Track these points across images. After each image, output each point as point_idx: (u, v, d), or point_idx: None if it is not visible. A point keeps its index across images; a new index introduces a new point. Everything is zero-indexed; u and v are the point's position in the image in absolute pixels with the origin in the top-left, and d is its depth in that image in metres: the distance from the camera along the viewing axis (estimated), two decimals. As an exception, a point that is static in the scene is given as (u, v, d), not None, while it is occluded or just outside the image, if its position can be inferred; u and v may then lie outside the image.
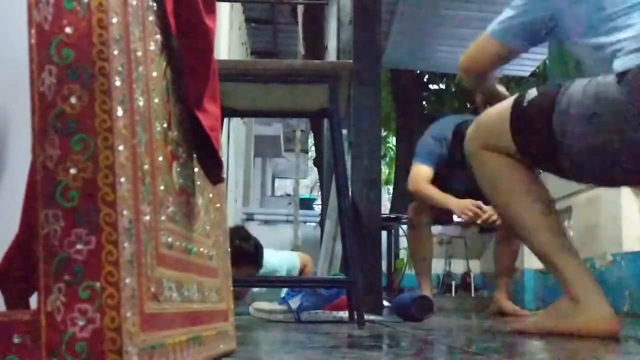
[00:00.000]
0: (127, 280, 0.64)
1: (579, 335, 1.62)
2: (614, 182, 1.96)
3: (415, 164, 3.68)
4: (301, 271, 3.76)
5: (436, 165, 3.62)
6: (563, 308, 1.70)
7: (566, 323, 1.67)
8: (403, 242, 6.47)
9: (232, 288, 1.21)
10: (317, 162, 8.09)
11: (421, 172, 3.62)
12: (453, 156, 3.57)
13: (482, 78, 2.02)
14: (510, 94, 2.03)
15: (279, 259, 3.66)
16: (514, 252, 3.74)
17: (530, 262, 5.31)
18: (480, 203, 3.46)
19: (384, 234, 6.03)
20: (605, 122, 1.59)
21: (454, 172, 3.63)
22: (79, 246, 0.63)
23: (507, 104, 1.81)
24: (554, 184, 4.82)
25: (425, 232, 3.76)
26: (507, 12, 1.91)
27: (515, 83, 10.82)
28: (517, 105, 1.76)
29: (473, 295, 5.69)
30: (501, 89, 2.18)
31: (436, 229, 6.39)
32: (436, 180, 3.61)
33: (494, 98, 2.05)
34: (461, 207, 3.52)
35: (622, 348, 1.49)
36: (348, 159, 3.28)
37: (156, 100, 0.83)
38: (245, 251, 3.14)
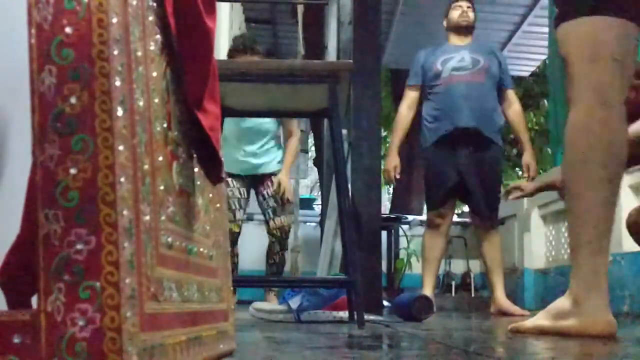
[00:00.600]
0: (127, 280, 0.64)
1: (577, 336, 1.62)
2: None
3: (406, 87, 3.94)
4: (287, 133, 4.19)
5: (420, 75, 3.85)
6: (562, 308, 1.70)
7: (564, 323, 1.66)
8: (403, 242, 6.48)
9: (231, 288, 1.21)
10: (317, 162, 8.09)
11: (405, 96, 3.90)
12: (444, 49, 3.85)
13: None
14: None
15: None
16: (497, 245, 3.79)
17: (530, 262, 5.32)
18: (395, 169, 3.80)
19: (384, 234, 6.04)
20: None
21: (449, 58, 3.81)
22: (79, 246, 0.63)
23: (568, 28, 1.73)
24: (554, 184, 4.79)
25: (443, 233, 3.82)
26: None
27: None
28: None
29: (473, 295, 5.69)
30: None
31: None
32: (430, 82, 3.82)
33: None
34: (385, 166, 3.87)
35: (622, 348, 1.49)
36: (348, 159, 3.28)
37: (156, 100, 0.83)
38: (246, 38, 3.97)
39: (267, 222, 4.11)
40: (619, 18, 1.69)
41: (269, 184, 4.07)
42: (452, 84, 3.75)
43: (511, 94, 3.87)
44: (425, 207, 4.05)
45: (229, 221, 3.90)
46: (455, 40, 3.90)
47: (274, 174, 4.11)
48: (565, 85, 1.81)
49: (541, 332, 1.73)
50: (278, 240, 4.08)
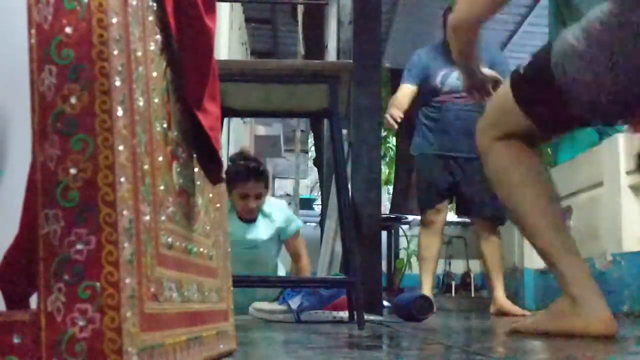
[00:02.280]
0: (127, 280, 0.64)
1: (577, 335, 1.62)
2: (630, 110, 1.81)
3: (401, 84, 3.94)
4: (295, 257, 3.66)
5: (418, 78, 3.84)
6: (562, 308, 1.70)
7: (564, 323, 1.67)
8: (403, 242, 6.48)
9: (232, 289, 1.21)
10: (317, 162, 8.10)
11: (401, 90, 3.90)
12: (441, 52, 3.75)
13: (474, 37, 1.97)
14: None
15: (286, 209, 3.67)
16: (497, 246, 3.82)
17: (530, 262, 5.31)
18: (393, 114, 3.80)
19: (384, 234, 6.04)
20: (600, 41, 1.59)
21: (444, 65, 3.78)
22: (79, 246, 0.63)
23: (505, 83, 1.83)
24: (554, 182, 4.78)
25: (438, 231, 3.85)
26: None
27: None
28: (515, 76, 1.79)
29: (473, 295, 5.69)
30: (486, 70, 2.17)
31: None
32: (426, 87, 3.84)
33: (480, 82, 2.05)
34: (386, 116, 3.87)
35: (622, 348, 1.49)
36: (348, 159, 3.28)
37: (156, 100, 0.83)
38: (249, 167, 3.22)
39: None
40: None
41: None
42: (449, 104, 3.82)
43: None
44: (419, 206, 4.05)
45: None
46: None
47: None
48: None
49: (542, 332, 1.73)
50: None
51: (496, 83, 2.08)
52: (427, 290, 3.71)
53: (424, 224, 3.90)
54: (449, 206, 4.07)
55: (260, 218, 3.38)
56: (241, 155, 3.37)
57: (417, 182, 4.05)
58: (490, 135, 1.83)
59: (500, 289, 3.75)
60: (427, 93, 3.87)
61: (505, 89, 1.81)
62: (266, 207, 3.39)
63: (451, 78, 3.78)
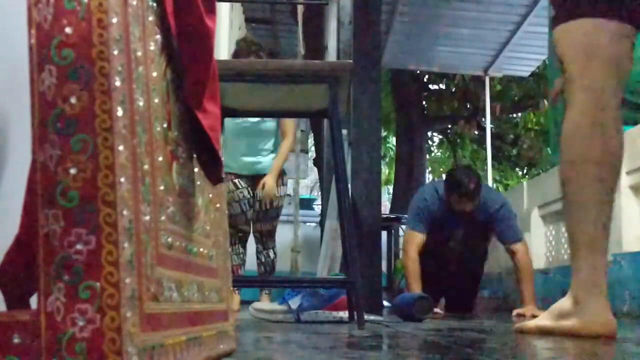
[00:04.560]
0: (127, 280, 0.64)
1: (577, 336, 1.62)
2: None
3: (407, 229, 4.04)
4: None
5: (428, 227, 3.90)
6: (563, 308, 1.71)
7: (565, 323, 1.67)
8: (403, 242, 6.47)
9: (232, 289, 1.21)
10: (317, 162, 8.10)
11: (412, 239, 3.90)
12: (446, 213, 3.90)
13: None
14: (509, 94, 2.01)
15: None
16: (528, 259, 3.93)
17: (530, 262, 5.31)
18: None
19: (384, 234, 6.04)
20: None
21: (450, 230, 4.01)
22: (79, 246, 0.63)
23: (567, 27, 1.75)
24: (554, 184, 4.81)
25: (417, 257, 3.94)
26: None
27: (515, 83, 10.83)
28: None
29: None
30: None
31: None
32: (432, 235, 3.92)
33: None
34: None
35: (622, 348, 1.49)
36: (348, 159, 3.28)
37: (156, 100, 0.83)
38: (248, 41, 3.87)
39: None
40: (614, 20, 1.70)
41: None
42: (446, 250, 4.08)
43: (517, 248, 3.90)
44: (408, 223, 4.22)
45: (242, 223, 3.93)
46: (458, 205, 3.90)
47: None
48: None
49: (544, 333, 1.73)
50: (259, 241, 4.08)
51: None
52: (416, 288, 3.78)
53: (406, 243, 3.99)
54: None
55: None
56: (243, 40, 4.02)
57: (414, 201, 4.13)
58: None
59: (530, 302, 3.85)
60: (431, 234, 3.98)
61: (573, 32, 1.72)
62: None
63: (455, 234, 4.05)
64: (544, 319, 1.79)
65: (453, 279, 4.14)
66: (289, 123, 4.16)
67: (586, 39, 1.71)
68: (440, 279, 4.06)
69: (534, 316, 3.43)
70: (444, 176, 4.19)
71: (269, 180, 3.97)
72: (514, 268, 3.96)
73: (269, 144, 4.15)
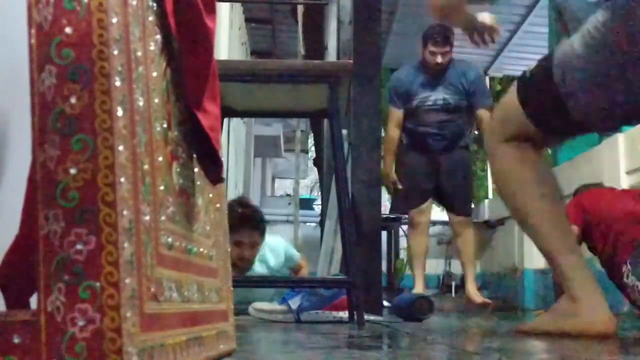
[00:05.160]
0: (127, 281, 0.64)
1: (577, 336, 1.63)
2: (627, 117, 1.85)
3: (389, 107, 4.24)
4: (296, 270, 3.72)
5: (404, 100, 4.15)
6: (563, 308, 1.72)
7: (565, 323, 1.68)
8: (403, 242, 6.47)
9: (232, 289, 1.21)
10: (317, 162, 8.10)
11: (391, 116, 4.20)
12: (421, 77, 4.14)
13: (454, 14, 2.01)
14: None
15: (284, 243, 3.67)
16: (470, 240, 4.14)
17: (530, 262, 5.31)
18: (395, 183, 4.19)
19: (384, 234, 6.03)
20: (599, 49, 1.63)
21: (427, 92, 4.16)
22: (79, 246, 0.63)
23: (512, 88, 1.85)
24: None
25: (424, 230, 4.18)
26: None
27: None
28: (521, 79, 1.82)
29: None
30: (482, 15, 2.15)
31: (436, 229, 6.44)
32: (413, 111, 4.16)
33: (473, 25, 2.08)
34: (385, 182, 4.17)
35: (622, 348, 1.49)
36: (348, 159, 3.28)
37: (156, 100, 0.83)
38: (246, 216, 3.17)
39: None
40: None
41: None
42: (427, 118, 4.19)
43: (480, 113, 4.15)
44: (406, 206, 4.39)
45: None
46: (431, 71, 4.18)
47: None
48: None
49: (544, 333, 1.74)
50: None
51: (492, 29, 2.14)
52: (420, 287, 4.00)
53: (412, 224, 4.23)
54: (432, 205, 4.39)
55: (257, 264, 3.35)
56: (239, 203, 3.31)
57: (403, 179, 4.29)
58: (497, 136, 1.85)
59: (470, 281, 4.13)
60: (407, 109, 4.21)
61: (512, 92, 1.83)
62: (262, 252, 3.38)
63: (428, 101, 4.18)
64: (545, 319, 1.79)
65: (439, 176, 4.21)
66: (302, 268, 3.69)
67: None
68: (429, 175, 4.19)
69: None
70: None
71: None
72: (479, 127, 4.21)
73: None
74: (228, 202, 3.39)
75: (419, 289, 4.01)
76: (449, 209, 4.24)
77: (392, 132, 4.21)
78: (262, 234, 3.27)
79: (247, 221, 3.16)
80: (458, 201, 4.17)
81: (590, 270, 1.75)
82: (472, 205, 4.41)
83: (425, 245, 4.18)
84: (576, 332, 1.64)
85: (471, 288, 4.07)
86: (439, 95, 4.18)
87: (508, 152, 1.81)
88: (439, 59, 4.10)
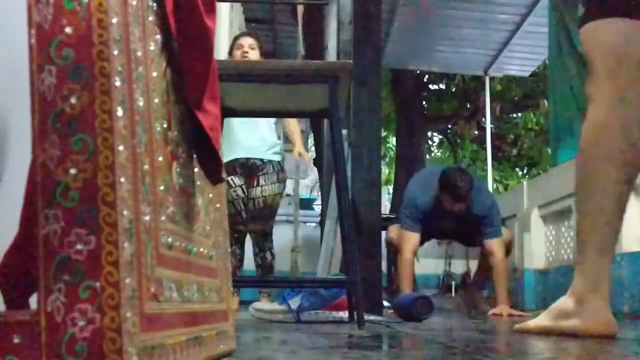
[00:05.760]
0: (127, 280, 0.64)
1: (577, 336, 1.63)
2: None
3: (403, 228, 4.07)
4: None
5: (421, 225, 4.05)
6: (564, 308, 1.70)
7: (565, 323, 1.67)
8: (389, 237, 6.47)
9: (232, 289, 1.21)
10: (317, 162, 8.11)
11: (408, 239, 4.01)
12: (440, 203, 4.00)
13: None
14: (509, 94, 2.00)
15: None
16: (504, 260, 4.04)
17: (530, 262, 5.32)
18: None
19: (384, 234, 6.03)
20: None
21: (442, 224, 4.16)
22: (79, 246, 0.63)
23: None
24: (554, 184, 4.82)
25: (415, 253, 4.10)
26: None
27: (515, 83, 10.83)
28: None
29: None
30: None
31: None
32: (426, 223, 4.07)
33: None
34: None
35: (622, 348, 1.49)
36: (348, 159, 3.28)
37: (156, 100, 0.83)
38: (243, 31, 4.25)
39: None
40: None
41: (261, 181, 3.89)
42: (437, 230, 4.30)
43: (491, 245, 4.02)
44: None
45: (237, 223, 3.85)
46: (449, 205, 4.03)
47: (267, 165, 3.93)
48: (568, 84, 1.83)
49: (544, 332, 1.73)
50: (255, 243, 3.95)
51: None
52: (407, 289, 3.89)
53: (402, 243, 4.07)
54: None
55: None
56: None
57: (407, 198, 4.23)
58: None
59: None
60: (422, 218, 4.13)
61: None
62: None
63: (445, 226, 4.22)
64: (543, 319, 1.78)
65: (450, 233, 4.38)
66: (293, 122, 4.17)
67: (616, 40, 1.69)
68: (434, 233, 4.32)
69: (510, 315, 3.61)
70: (432, 167, 4.35)
71: (300, 149, 4.04)
72: (489, 266, 4.08)
73: (270, 136, 4.04)
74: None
75: (407, 290, 3.96)
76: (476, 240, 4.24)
77: (409, 255, 4.02)
78: (257, 39, 4.02)
79: (243, 33, 4.18)
80: (489, 227, 4.07)
81: (610, 275, 1.69)
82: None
83: (413, 266, 4.08)
84: (577, 332, 1.63)
85: (506, 307, 3.86)
86: (453, 225, 4.21)
87: (614, 107, 1.65)
88: (456, 209, 4.01)
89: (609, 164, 1.64)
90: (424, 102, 11.17)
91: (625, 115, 1.65)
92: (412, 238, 4.00)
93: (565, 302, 1.71)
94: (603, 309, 1.64)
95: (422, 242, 4.26)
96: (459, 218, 4.06)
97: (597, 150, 1.67)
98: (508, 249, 4.12)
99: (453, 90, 11.46)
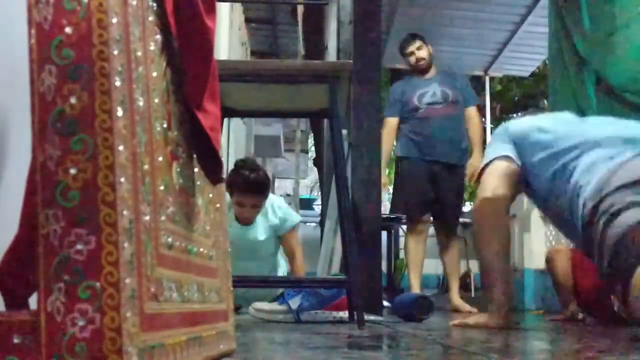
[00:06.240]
0: (127, 281, 0.64)
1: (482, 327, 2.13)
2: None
3: (385, 118, 4.30)
4: (290, 253, 3.60)
5: (398, 108, 4.27)
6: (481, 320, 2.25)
7: (478, 318, 2.27)
8: (403, 242, 6.47)
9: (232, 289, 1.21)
10: (317, 162, 8.10)
11: (385, 124, 4.24)
12: (412, 83, 4.28)
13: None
14: (509, 94, 2.07)
15: (284, 206, 3.58)
16: (456, 251, 4.29)
17: (530, 262, 5.31)
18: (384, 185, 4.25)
19: (384, 234, 6.02)
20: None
21: (421, 90, 4.26)
22: (79, 246, 0.63)
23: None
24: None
25: (424, 240, 4.29)
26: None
27: (515, 83, 10.83)
28: None
29: (473, 295, 5.69)
30: None
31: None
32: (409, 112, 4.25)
33: None
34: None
35: (622, 349, 1.49)
36: (348, 159, 3.28)
37: (156, 100, 0.83)
38: (253, 182, 3.12)
39: None
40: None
41: None
42: (429, 116, 4.26)
43: (469, 111, 4.32)
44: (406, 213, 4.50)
45: None
46: (422, 75, 4.33)
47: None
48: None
49: (476, 327, 2.18)
50: None
51: None
52: (416, 289, 4.07)
53: (411, 231, 4.30)
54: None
55: (258, 216, 3.38)
56: (245, 164, 3.25)
57: (401, 187, 4.51)
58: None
59: (454, 290, 4.27)
60: (409, 111, 4.27)
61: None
62: (265, 206, 3.38)
63: (426, 96, 4.25)
64: (482, 316, 2.29)
65: (438, 189, 4.32)
66: (293, 239, 3.55)
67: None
68: (426, 191, 4.30)
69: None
70: None
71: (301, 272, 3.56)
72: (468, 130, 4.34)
73: (268, 262, 3.54)
74: (235, 162, 3.34)
75: (416, 290, 4.11)
76: (443, 221, 4.35)
77: (385, 136, 4.17)
78: (266, 196, 3.26)
79: (253, 187, 3.12)
80: (450, 220, 4.32)
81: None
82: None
83: (423, 253, 4.27)
84: (482, 325, 2.16)
85: (456, 297, 4.18)
86: (436, 89, 4.27)
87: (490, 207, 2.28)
88: (419, 54, 4.26)
89: (492, 241, 2.26)
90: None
91: (496, 208, 2.29)
92: (389, 122, 4.26)
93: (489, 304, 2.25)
94: (501, 304, 2.16)
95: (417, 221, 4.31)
96: (432, 84, 4.26)
97: (484, 233, 2.31)
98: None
99: (453, 90, 11.46)
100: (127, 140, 0.68)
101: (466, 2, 6.48)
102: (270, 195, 3.46)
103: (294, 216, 3.61)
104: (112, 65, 0.67)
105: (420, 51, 4.26)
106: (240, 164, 3.22)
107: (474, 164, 4.12)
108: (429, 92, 4.28)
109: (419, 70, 4.30)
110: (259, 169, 3.29)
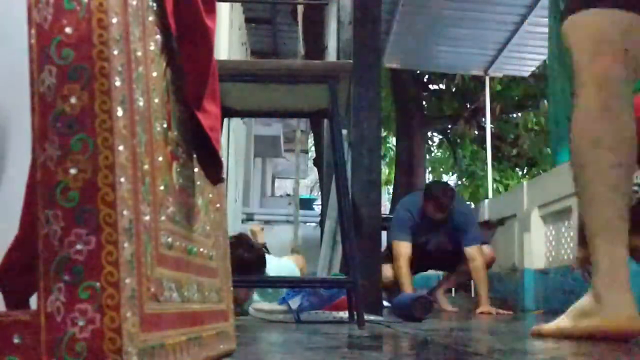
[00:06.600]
0: (127, 281, 0.64)
1: (599, 336, 1.52)
2: None
3: (394, 240, 4.41)
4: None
5: (412, 235, 4.38)
6: (583, 307, 1.58)
7: (585, 324, 1.55)
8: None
9: (232, 289, 1.21)
10: (317, 162, 8.10)
11: (401, 249, 4.34)
12: (423, 220, 4.43)
13: None
14: (509, 94, 1.98)
15: (278, 269, 3.48)
16: (478, 264, 4.30)
17: (530, 262, 5.31)
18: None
19: (384, 234, 6.03)
20: None
21: (428, 235, 4.48)
22: (79, 246, 0.63)
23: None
24: (554, 184, 4.82)
25: (408, 262, 4.33)
26: None
27: (515, 83, 10.84)
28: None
29: (473, 295, 5.70)
30: None
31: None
32: (414, 247, 4.37)
33: None
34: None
35: (622, 349, 1.49)
36: (348, 159, 3.28)
37: (156, 100, 0.83)
38: (248, 261, 3.02)
39: None
40: (629, 12, 1.62)
41: None
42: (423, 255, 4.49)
43: (470, 251, 4.33)
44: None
45: None
46: (432, 213, 4.45)
47: None
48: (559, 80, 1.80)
49: (563, 335, 1.62)
50: None
51: None
52: (408, 289, 4.13)
53: (395, 256, 4.35)
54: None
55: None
56: (244, 246, 3.09)
57: (398, 212, 4.58)
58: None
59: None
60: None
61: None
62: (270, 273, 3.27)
63: (431, 243, 4.54)
64: (562, 321, 1.65)
65: (434, 262, 4.64)
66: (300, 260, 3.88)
67: (597, 32, 1.64)
68: (423, 264, 4.57)
69: (498, 313, 3.93)
70: (421, 193, 4.70)
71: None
72: (468, 271, 4.40)
73: None
74: (230, 240, 3.22)
75: (408, 290, 4.18)
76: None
77: (404, 263, 4.29)
78: (262, 273, 3.16)
79: (247, 267, 2.97)
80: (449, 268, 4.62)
81: (629, 269, 1.55)
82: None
83: (410, 273, 4.32)
84: (597, 332, 1.52)
85: (486, 307, 4.13)
86: (441, 238, 4.51)
87: (597, 92, 1.59)
88: (439, 216, 4.42)
89: (599, 149, 1.56)
90: (424, 102, 11.17)
91: (610, 103, 1.59)
92: (404, 247, 4.32)
93: (585, 301, 1.58)
94: (626, 303, 1.50)
95: (414, 272, 4.48)
96: (442, 227, 4.43)
97: (584, 138, 1.60)
98: (488, 265, 4.41)
99: (453, 90, 11.47)
100: (127, 140, 0.68)
101: (466, 2, 6.48)
102: (270, 259, 3.34)
103: (292, 266, 3.59)
104: (112, 65, 0.67)
105: (444, 214, 4.38)
106: (236, 243, 3.00)
107: (483, 310, 4.08)
108: (432, 240, 4.53)
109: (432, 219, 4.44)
110: (253, 247, 3.18)
